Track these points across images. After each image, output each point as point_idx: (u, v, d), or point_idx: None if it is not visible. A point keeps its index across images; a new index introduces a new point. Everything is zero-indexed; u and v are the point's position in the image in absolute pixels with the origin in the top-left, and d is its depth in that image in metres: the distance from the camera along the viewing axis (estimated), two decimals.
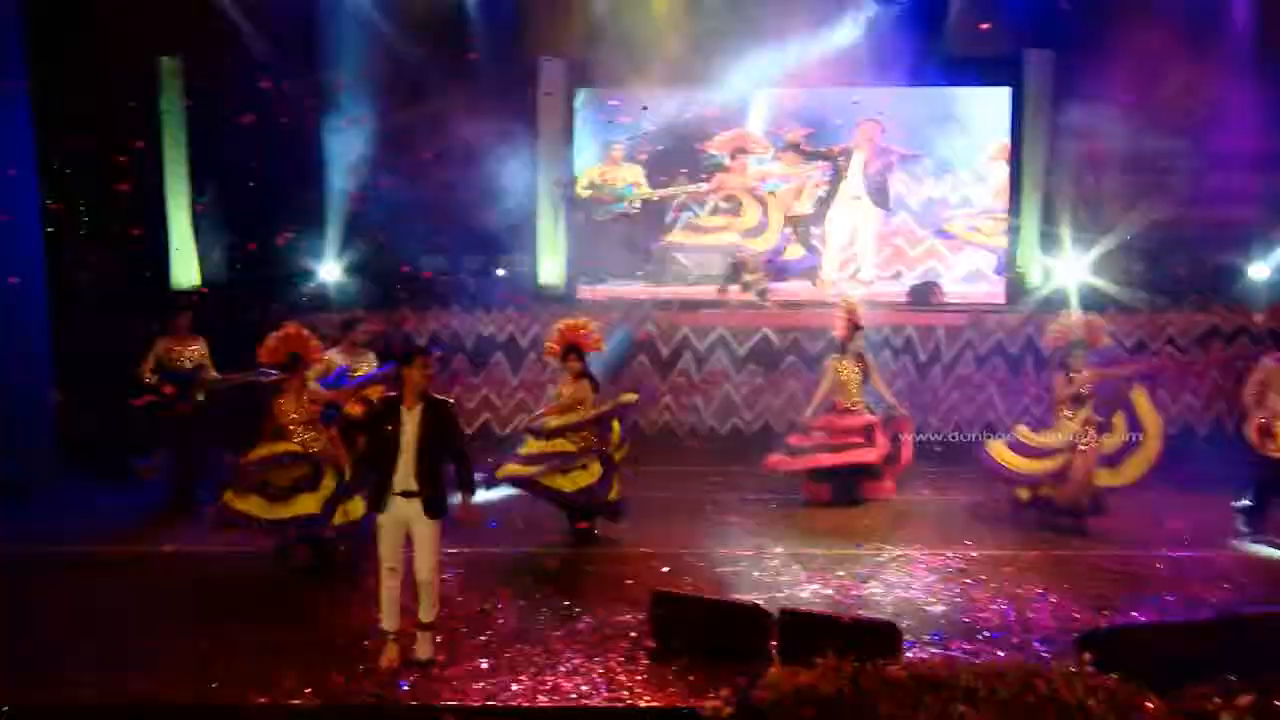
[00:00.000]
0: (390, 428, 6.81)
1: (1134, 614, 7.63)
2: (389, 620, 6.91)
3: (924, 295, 14.53)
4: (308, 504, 8.64)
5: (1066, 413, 9.71)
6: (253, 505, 8.61)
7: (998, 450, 9.97)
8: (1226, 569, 8.72)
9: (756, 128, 15.42)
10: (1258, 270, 14.38)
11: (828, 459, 10.57)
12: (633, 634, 7.24)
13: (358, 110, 14.73)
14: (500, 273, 15.98)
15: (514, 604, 7.92)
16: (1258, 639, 6.65)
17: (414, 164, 14.99)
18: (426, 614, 6.92)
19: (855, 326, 10.77)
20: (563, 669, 6.74)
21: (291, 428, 8.76)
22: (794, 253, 15.35)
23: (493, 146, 14.96)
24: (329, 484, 8.71)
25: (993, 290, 14.95)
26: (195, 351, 10.78)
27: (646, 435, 13.37)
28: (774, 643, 6.76)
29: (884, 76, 14.42)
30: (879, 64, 14.27)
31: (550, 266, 15.91)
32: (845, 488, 10.67)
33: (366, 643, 7.09)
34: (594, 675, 6.65)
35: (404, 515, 6.81)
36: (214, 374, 10.69)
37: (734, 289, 14.80)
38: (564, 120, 15.66)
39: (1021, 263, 15.23)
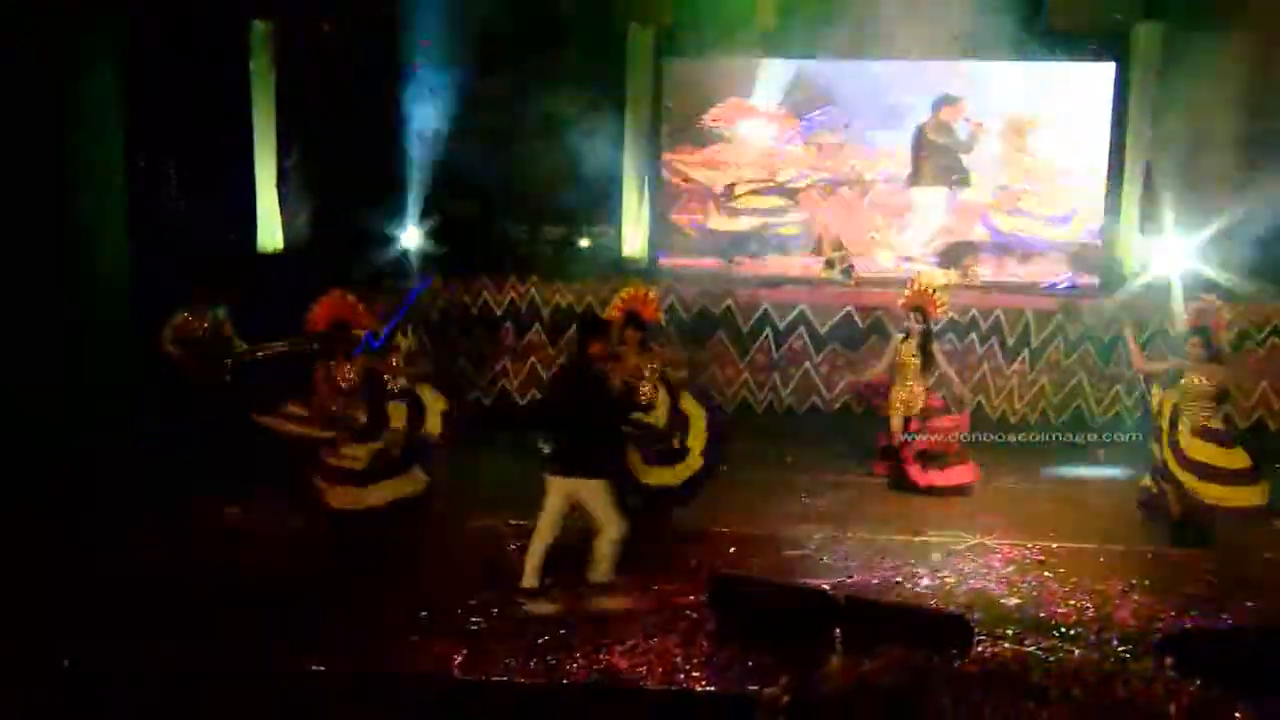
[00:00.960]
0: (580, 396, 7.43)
1: (1224, 617, 7.25)
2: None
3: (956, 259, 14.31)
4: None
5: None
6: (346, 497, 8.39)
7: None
8: None
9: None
10: None
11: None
12: (693, 615, 7.07)
13: (442, 76, 14.69)
14: (583, 243, 15.85)
15: (570, 580, 7.76)
16: None
17: (498, 132, 14.94)
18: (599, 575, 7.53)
19: (916, 309, 10.28)
20: (619, 648, 6.59)
21: (334, 409, 8.37)
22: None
23: (579, 115, 14.81)
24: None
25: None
26: (210, 321, 10.57)
27: (723, 412, 13.15)
28: (838, 631, 6.52)
29: (982, 51, 13.96)
30: (976, 37, 13.85)
31: (633, 238, 15.73)
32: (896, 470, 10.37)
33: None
34: (650, 656, 6.50)
35: (574, 483, 7.38)
36: (240, 344, 10.56)
37: (818, 268, 14.51)
38: (652, 89, 15.42)
39: (1121, 246, 14.66)
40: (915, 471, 10.15)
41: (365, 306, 8.72)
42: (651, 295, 9.40)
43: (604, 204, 15.61)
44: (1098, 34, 14.69)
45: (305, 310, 8.66)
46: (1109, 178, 14.84)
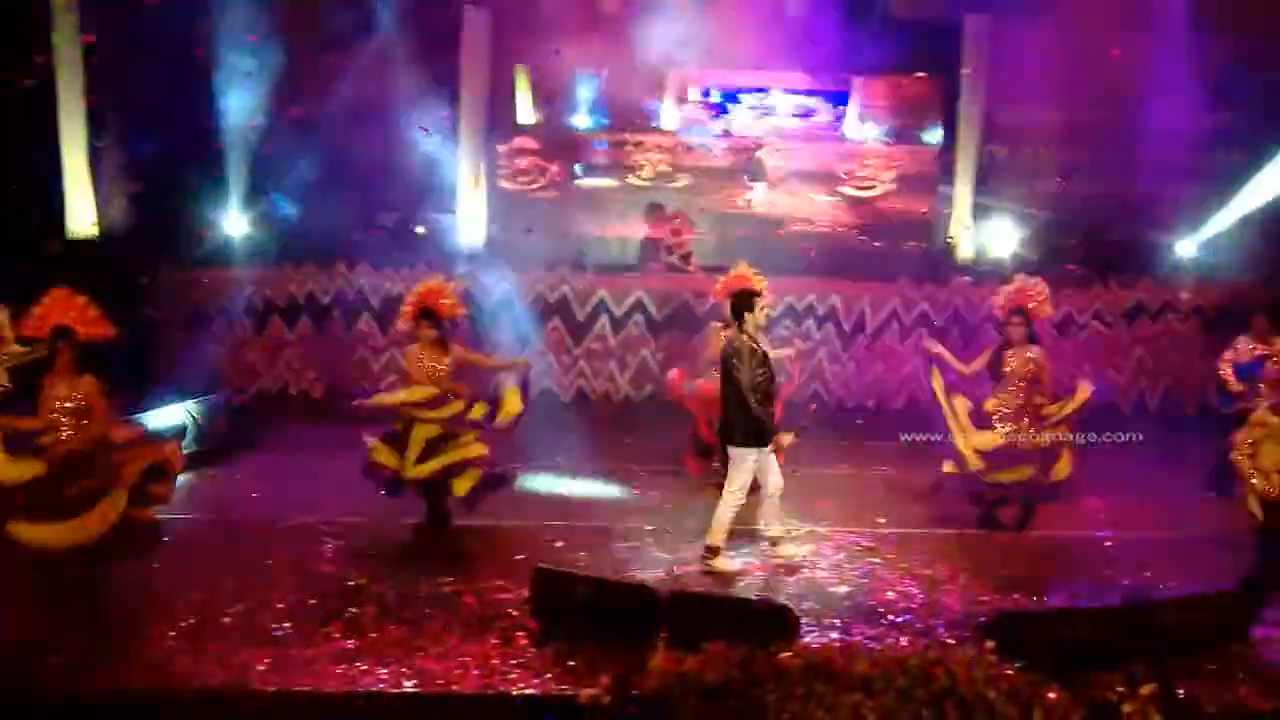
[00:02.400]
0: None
1: (1045, 598, 7.30)
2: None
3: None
4: None
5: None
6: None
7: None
8: (1145, 552, 8.35)
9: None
10: (1184, 247, 14.16)
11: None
12: (513, 614, 6.77)
13: (268, 56, 14.05)
14: (419, 231, 15.39)
15: (390, 579, 7.41)
16: (1164, 625, 6.37)
17: (327, 115, 14.36)
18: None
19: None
20: (434, 651, 6.25)
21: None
22: None
23: (413, 99, 14.39)
24: None
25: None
26: None
27: (561, 401, 12.91)
28: (662, 627, 6.30)
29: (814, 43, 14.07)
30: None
31: (470, 225, 15.35)
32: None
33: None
34: (466, 659, 6.17)
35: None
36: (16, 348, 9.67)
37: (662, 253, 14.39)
38: (489, 74, 15.06)
39: (953, 232, 14.91)
40: None
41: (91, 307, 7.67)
42: (448, 289, 8.72)
43: (441, 190, 15.21)
44: (933, 26, 14.89)
45: (118, 300, 8.04)
46: (942, 170, 15.08)
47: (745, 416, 7.67)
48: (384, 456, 8.28)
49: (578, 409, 12.80)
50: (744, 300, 8.01)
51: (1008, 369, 8.80)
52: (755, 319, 7.95)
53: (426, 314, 8.52)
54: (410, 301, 8.66)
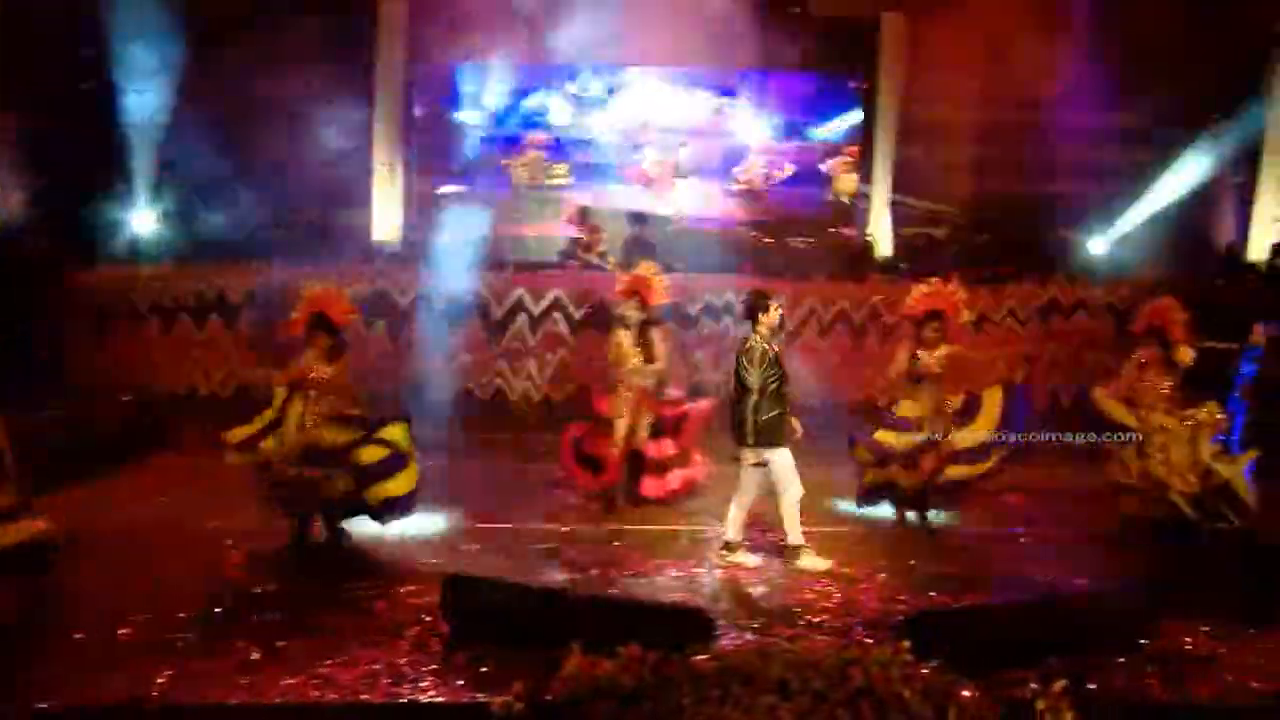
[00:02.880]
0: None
1: (962, 596, 7.30)
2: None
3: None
4: None
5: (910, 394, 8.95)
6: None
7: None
8: (1060, 549, 8.43)
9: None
10: (1096, 244, 14.39)
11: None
12: (426, 620, 6.62)
13: (178, 49, 13.69)
14: (332, 226, 15.08)
15: (299, 585, 7.23)
16: (1076, 620, 6.43)
17: (239, 110, 14.06)
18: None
19: (634, 295, 9.40)
20: (341, 659, 6.08)
21: None
22: None
23: (328, 94, 14.12)
24: None
25: None
26: None
27: (478, 401, 12.72)
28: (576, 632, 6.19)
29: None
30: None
31: (386, 221, 15.11)
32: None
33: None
34: (375, 667, 6.01)
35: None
36: None
37: (580, 251, 14.26)
38: (405, 67, 14.84)
39: (871, 231, 14.99)
40: (649, 484, 9.36)
41: None
42: (343, 294, 8.47)
43: (356, 186, 14.96)
44: (852, 24, 14.98)
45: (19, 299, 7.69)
46: (860, 169, 15.18)
47: (755, 418, 7.72)
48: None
49: (496, 409, 12.64)
50: (757, 301, 7.99)
51: (923, 371, 8.81)
52: (769, 319, 7.91)
53: (320, 321, 8.17)
54: (300, 309, 8.24)
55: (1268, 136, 14.05)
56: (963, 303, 9.00)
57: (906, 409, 8.86)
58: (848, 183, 15.60)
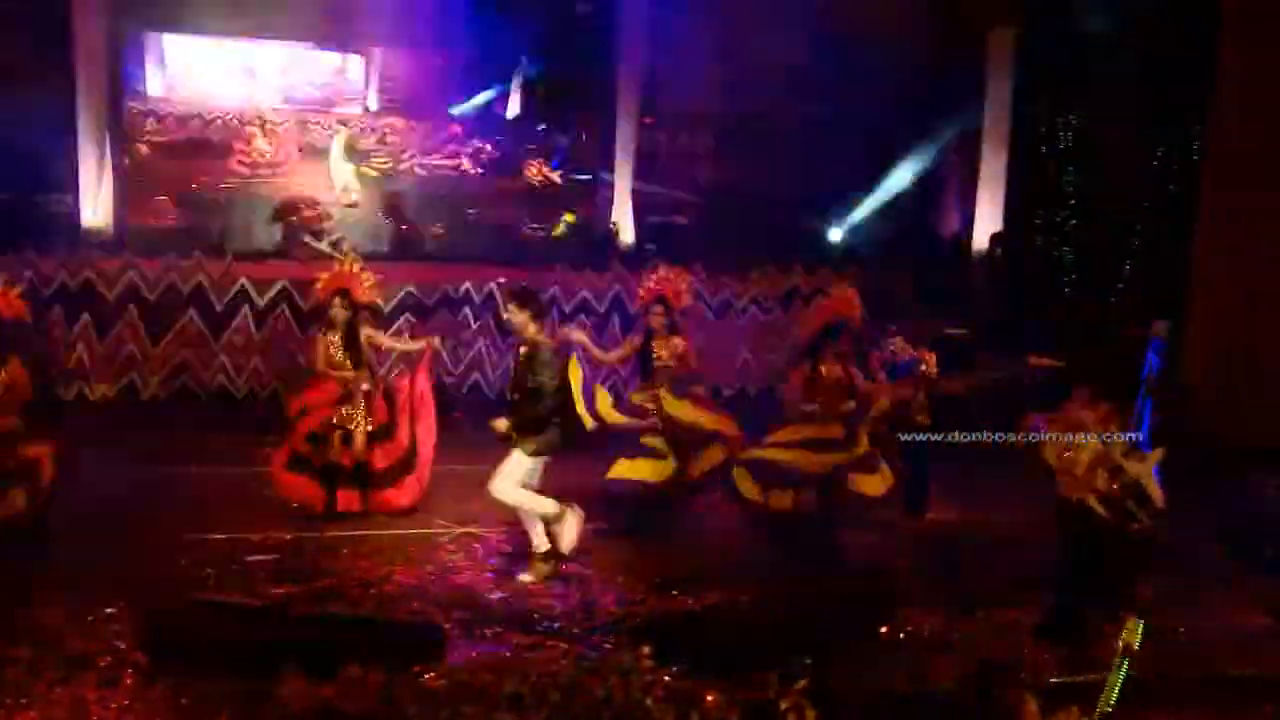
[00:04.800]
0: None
1: (708, 595, 7.03)
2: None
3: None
4: None
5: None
6: None
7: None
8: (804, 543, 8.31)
9: None
10: (834, 233, 14.74)
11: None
12: (120, 647, 5.91)
13: None
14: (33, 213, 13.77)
15: None
16: (819, 612, 6.38)
17: None
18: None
19: (338, 293, 8.70)
20: (17, 700, 5.31)
21: None
22: None
23: (21, 70, 12.84)
24: None
25: None
26: None
27: (199, 399, 11.84)
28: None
29: None
30: None
31: (95, 207, 13.86)
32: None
33: None
34: (57, 706, 5.28)
35: None
36: None
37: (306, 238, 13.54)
38: (107, 39, 13.64)
39: (615, 218, 14.83)
40: (347, 497, 8.63)
41: None
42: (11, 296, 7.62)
43: (59, 169, 13.66)
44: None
45: None
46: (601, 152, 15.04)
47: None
48: None
49: (221, 407, 11.79)
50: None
51: (657, 359, 8.62)
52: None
53: None
54: None
55: (986, 127, 14.65)
56: (686, 289, 8.86)
57: (640, 397, 8.68)
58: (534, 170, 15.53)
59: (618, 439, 8.44)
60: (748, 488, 8.35)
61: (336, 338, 8.68)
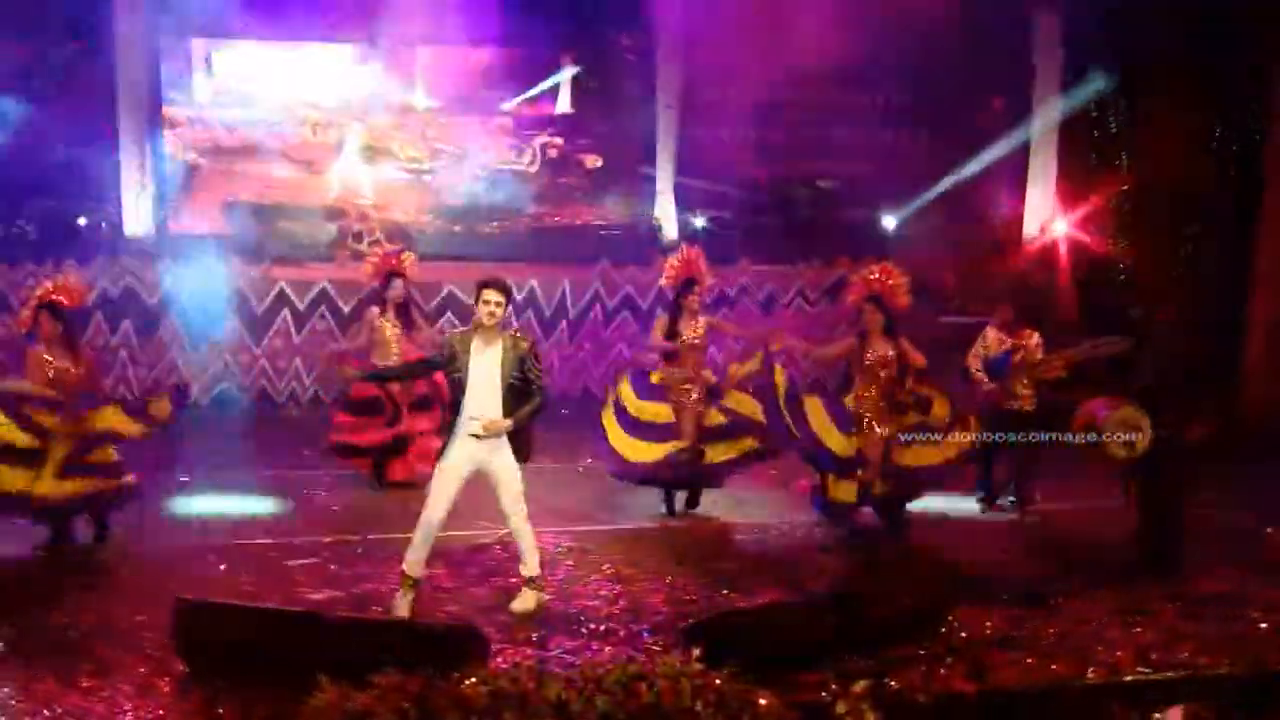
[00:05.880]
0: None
1: (754, 594, 6.84)
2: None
3: None
4: None
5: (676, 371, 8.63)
6: None
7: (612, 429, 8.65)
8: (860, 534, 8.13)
9: None
10: (880, 225, 14.43)
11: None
12: (155, 655, 5.75)
13: None
14: (80, 221, 13.80)
15: (7, 618, 6.22)
16: (871, 615, 6.07)
17: None
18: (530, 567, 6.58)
19: (389, 274, 9.25)
20: (55, 707, 5.15)
21: None
22: None
23: (60, 77, 12.83)
24: None
25: None
26: None
27: (238, 404, 11.76)
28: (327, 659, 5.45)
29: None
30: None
31: (138, 214, 13.86)
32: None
33: None
34: (94, 711, 5.13)
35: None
36: None
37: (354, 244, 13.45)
38: (149, 47, 13.63)
39: (658, 213, 14.63)
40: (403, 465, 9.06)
41: None
42: (73, 281, 7.90)
43: (102, 178, 13.67)
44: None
45: None
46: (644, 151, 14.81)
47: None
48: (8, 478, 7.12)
49: (261, 411, 11.70)
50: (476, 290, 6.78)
51: (687, 338, 8.52)
52: (477, 310, 6.63)
53: (48, 307, 7.47)
54: (29, 304, 7.65)
55: (1035, 111, 14.30)
56: (708, 269, 8.92)
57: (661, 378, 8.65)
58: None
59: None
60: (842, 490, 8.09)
61: (390, 315, 9.13)
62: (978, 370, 9.03)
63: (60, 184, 13.57)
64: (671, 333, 8.61)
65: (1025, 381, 8.80)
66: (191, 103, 15.07)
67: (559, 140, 15.32)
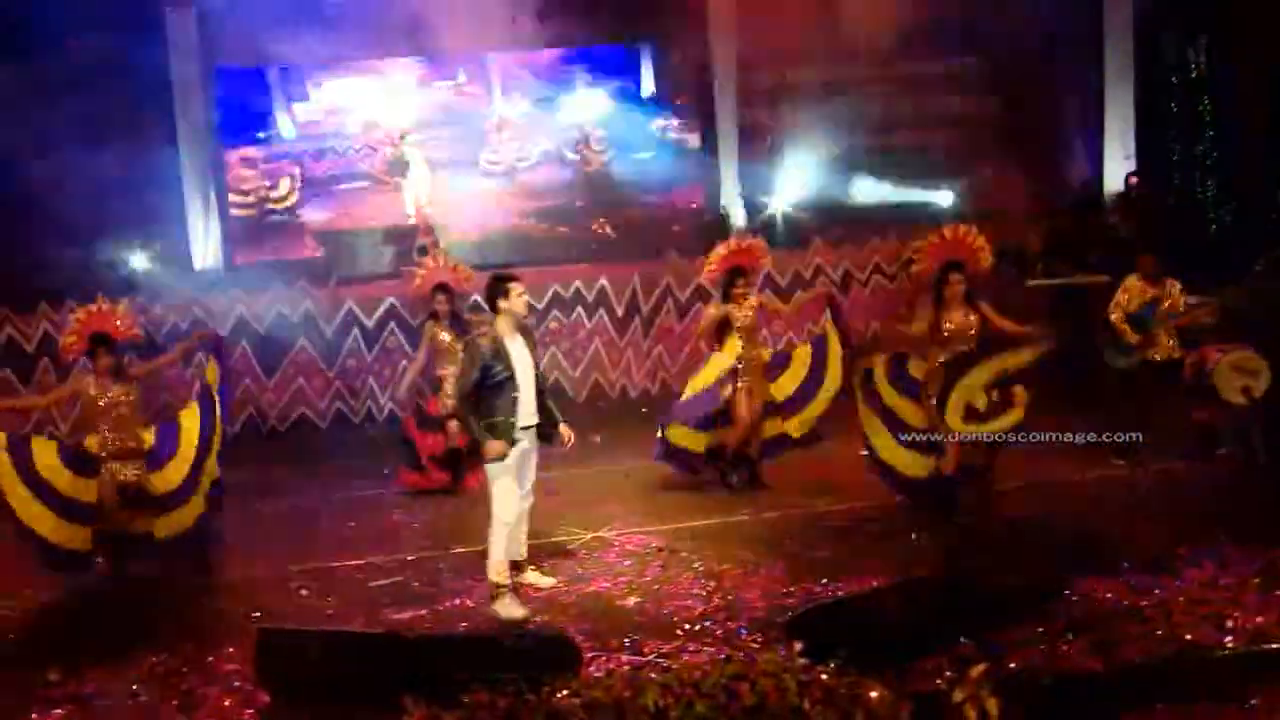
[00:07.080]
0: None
1: (853, 581, 6.50)
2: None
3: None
4: None
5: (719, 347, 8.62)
6: None
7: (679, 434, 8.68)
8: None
9: None
10: (944, 197, 13.95)
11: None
12: (240, 687, 5.58)
13: None
14: (144, 258, 13.82)
15: (81, 652, 6.10)
16: (982, 596, 5.72)
17: (21, 135, 12.65)
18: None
19: (439, 288, 9.24)
20: None
21: None
22: None
23: (122, 114, 12.84)
24: None
25: None
26: None
27: (315, 429, 11.66)
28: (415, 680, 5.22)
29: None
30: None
31: (203, 247, 13.84)
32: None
33: None
34: None
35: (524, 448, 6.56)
36: None
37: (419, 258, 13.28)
38: (204, 79, 13.61)
39: (725, 202, 14.26)
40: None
41: None
42: (120, 310, 7.84)
43: (166, 213, 13.67)
44: None
45: None
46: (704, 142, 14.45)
47: (473, 426, 6.55)
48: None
49: (336, 432, 11.59)
50: (495, 287, 6.68)
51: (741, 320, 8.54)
52: (510, 306, 6.58)
53: (100, 339, 7.49)
54: (73, 330, 7.67)
55: (1108, 61, 13.75)
56: (762, 253, 8.98)
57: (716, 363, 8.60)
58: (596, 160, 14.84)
59: None
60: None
61: (444, 326, 9.17)
62: (1121, 323, 8.86)
63: (129, 224, 13.59)
64: (723, 321, 8.59)
65: (1170, 331, 8.72)
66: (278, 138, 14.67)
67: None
